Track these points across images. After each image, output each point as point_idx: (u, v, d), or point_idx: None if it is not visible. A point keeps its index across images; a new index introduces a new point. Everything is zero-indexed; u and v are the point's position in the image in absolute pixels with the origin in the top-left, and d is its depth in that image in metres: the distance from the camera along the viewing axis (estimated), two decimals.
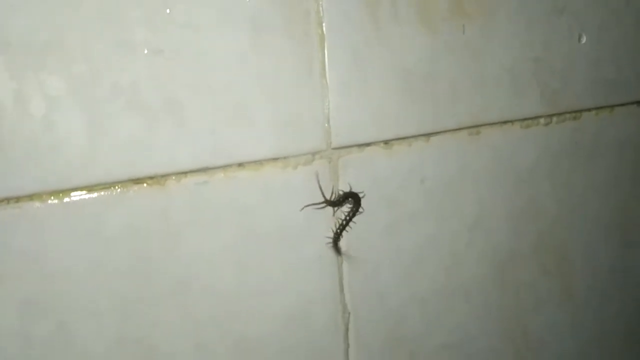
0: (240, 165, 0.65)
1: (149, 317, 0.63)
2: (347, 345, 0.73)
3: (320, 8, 0.65)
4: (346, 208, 0.69)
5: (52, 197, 0.58)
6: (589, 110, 0.81)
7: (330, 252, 0.69)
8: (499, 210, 0.78)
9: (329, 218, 0.69)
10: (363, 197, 0.69)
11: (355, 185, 0.69)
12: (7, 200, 0.57)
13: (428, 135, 0.72)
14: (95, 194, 0.59)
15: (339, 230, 0.68)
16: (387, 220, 0.72)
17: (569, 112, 0.80)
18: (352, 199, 0.69)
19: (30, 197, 0.57)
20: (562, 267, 0.83)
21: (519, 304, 0.82)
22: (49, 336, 0.59)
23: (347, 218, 0.68)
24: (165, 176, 0.62)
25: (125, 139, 0.59)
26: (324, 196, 0.67)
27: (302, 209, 0.67)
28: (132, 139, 0.60)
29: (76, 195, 0.59)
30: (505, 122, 0.76)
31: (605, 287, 0.87)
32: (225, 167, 0.64)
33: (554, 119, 0.79)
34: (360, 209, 0.69)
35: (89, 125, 0.58)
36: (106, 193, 0.60)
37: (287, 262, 0.68)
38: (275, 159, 0.66)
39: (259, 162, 0.65)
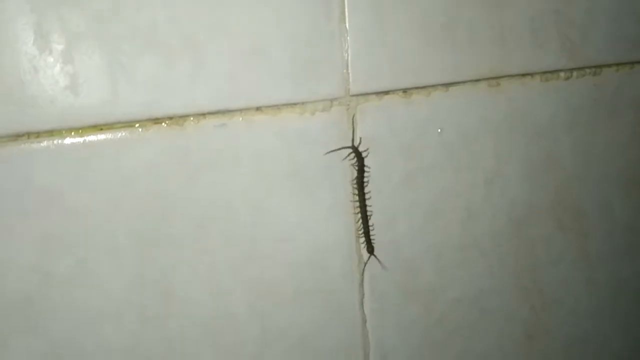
0: (258, 109, 0.64)
1: (166, 257, 0.63)
2: (362, 295, 0.73)
3: None
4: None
5: (73, 134, 0.58)
6: (609, 66, 0.80)
7: (345, 200, 0.69)
8: (517, 164, 0.77)
9: (346, 167, 0.69)
10: (366, 156, 0.68)
11: (373, 134, 0.69)
12: (28, 134, 0.57)
13: (447, 85, 0.72)
14: (114, 133, 0.59)
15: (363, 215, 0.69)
16: (404, 171, 0.72)
17: (589, 67, 0.79)
18: (355, 155, 0.68)
19: (51, 132, 0.57)
20: (578, 224, 0.82)
21: (534, 260, 0.81)
22: (68, 272, 0.60)
23: (357, 187, 0.68)
24: (184, 117, 0.62)
25: (144, 78, 0.59)
26: (352, 141, 0.67)
27: (327, 153, 0.67)
28: (151, 78, 0.59)
29: (96, 133, 0.59)
30: (525, 75, 0.75)
31: (621, 246, 0.86)
32: (243, 110, 0.64)
33: (574, 73, 0.78)
34: (366, 168, 0.68)
35: (108, 63, 0.58)
36: (125, 132, 0.60)
37: (303, 208, 0.68)
38: (293, 104, 0.65)
39: (276, 107, 0.65)
